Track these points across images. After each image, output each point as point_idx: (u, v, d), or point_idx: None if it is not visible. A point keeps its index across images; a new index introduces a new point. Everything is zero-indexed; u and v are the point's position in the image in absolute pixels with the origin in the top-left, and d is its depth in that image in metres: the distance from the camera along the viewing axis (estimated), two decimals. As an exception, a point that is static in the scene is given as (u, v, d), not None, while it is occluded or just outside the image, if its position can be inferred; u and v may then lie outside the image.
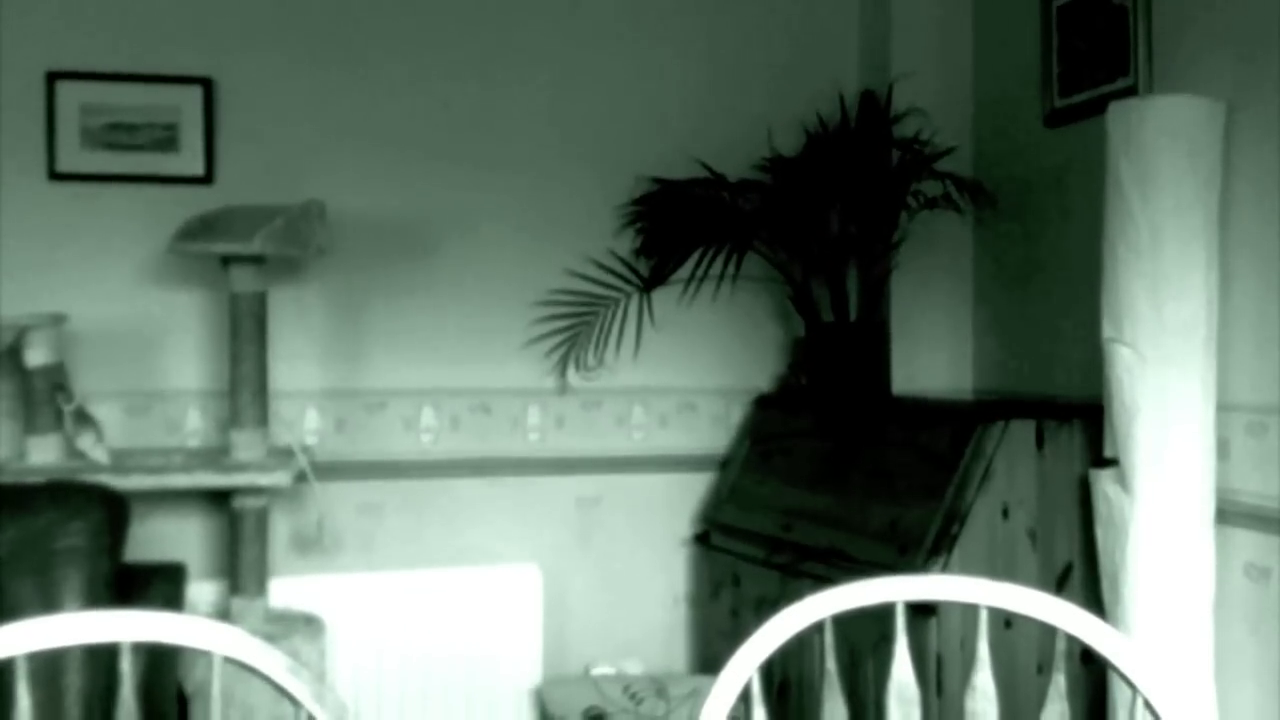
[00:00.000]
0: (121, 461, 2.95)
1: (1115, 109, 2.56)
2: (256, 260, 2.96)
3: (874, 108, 3.41)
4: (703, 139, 3.52)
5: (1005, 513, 2.64)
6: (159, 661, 2.43)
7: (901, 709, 1.37)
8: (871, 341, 3.42)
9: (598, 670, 3.37)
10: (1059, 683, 1.40)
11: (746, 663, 1.31)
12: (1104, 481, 2.55)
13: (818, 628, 1.38)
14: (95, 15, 3.26)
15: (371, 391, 3.41)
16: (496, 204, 3.48)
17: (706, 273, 3.38)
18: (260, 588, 2.99)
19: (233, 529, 3.01)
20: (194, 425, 3.30)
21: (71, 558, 2.36)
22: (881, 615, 1.41)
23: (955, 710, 2.44)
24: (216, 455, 3.09)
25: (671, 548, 3.57)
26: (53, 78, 3.22)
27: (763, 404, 3.55)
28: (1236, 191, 2.51)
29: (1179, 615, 2.44)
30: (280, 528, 3.25)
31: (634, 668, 3.41)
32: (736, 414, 3.61)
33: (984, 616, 1.39)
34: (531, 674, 3.34)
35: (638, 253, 3.52)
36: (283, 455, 3.08)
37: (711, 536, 3.44)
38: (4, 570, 2.34)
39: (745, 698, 1.35)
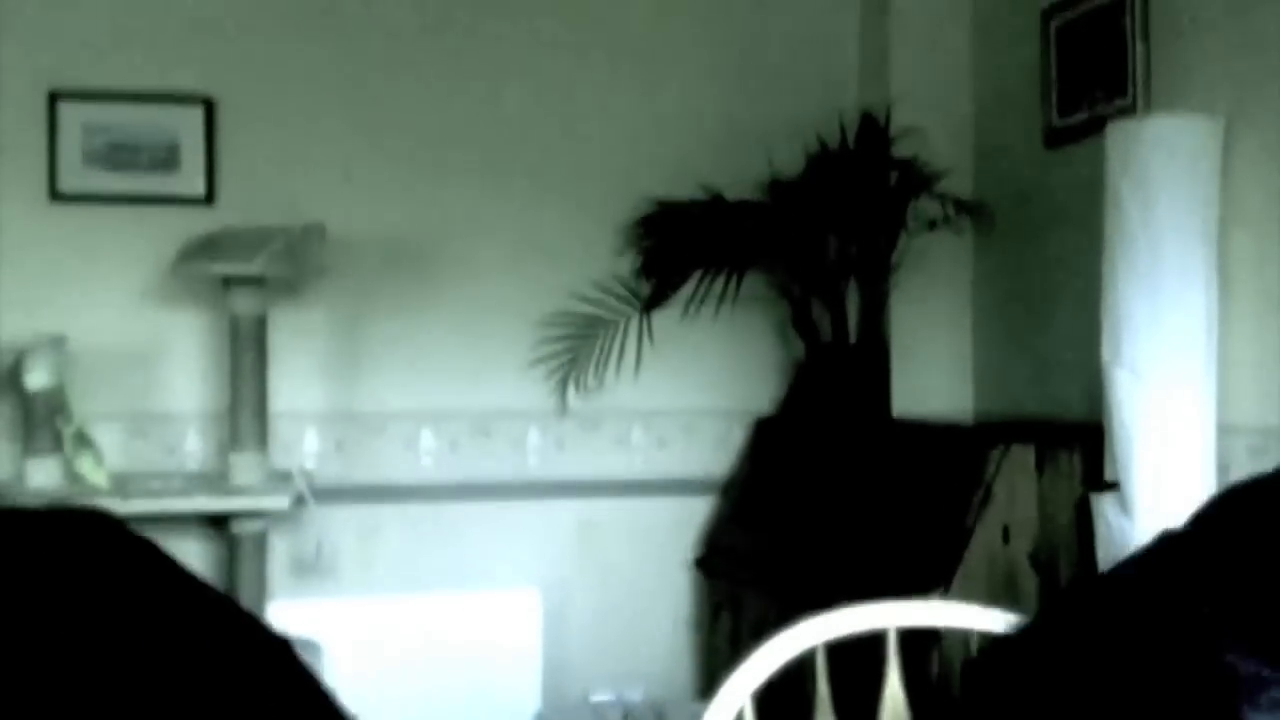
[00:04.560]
0: (120, 485, 2.95)
1: (1114, 129, 2.55)
2: (257, 281, 2.96)
3: (873, 129, 3.41)
4: (703, 161, 3.52)
5: (1005, 536, 2.63)
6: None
7: (895, 736, 1.36)
8: (871, 363, 3.41)
9: (597, 696, 3.35)
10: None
11: (738, 690, 1.30)
12: (1104, 504, 2.53)
13: (814, 652, 1.37)
14: (97, 35, 3.27)
15: (371, 414, 3.41)
16: (497, 225, 3.48)
17: (706, 293, 3.37)
18: (258, 612, 2.98)
19: (231, 552, 3.00)
20: (193, 447, 3.30)
21: (68, 581, 2.35)
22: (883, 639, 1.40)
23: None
24: (215, 479, 3.08)
25: (672, 572, 3.55)
26: (54, 98, 3.23)
27: (763, 426, 3.54)
28: (1236, 209, 2.50)
29: (1181, 639, 2.42)
30: (279, 551, 3.24)
31: (634, 693, 3.39)
32: (737, 435, 3.59)
33: (975, 641, 1.38)
34: (531, 699, 3.32)
35: (638, 274, 3.51)
36: (281, 478, 3.07)
37: (712, 560, 3.43)
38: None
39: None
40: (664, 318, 3.48)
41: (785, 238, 3.38)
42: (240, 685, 0.94)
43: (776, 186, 3.44)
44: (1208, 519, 1.05)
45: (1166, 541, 1.09)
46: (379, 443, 3.40)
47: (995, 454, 2.64)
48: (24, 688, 0.84)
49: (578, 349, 3.43)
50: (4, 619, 0.87)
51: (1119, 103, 2.83)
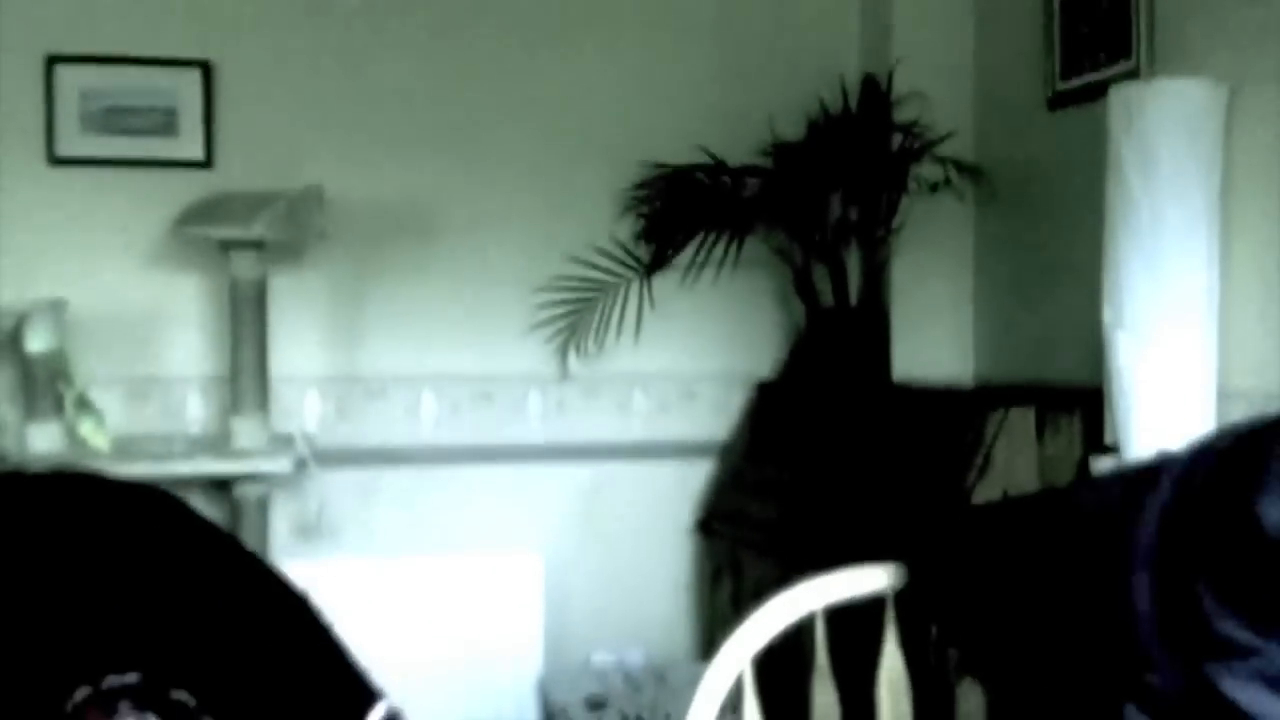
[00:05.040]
0: (122, 449, 2.96)
1: (1116, 92, 2.53)
2: (257, 245, 2.96)
3: (875, 92, 3.39)
4: (705, 125, 3.50)
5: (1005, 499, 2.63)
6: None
7: (892, 698, 1.36)
8: (872, 327, 3.41)
9: (599, 658, 3.37)
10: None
11: (737, 653, 1.30)
12: (1105, 468, 2.54)
13: (812, 616, 1.37)
14: (94, -1, 3.25)
15: (372, 377, 3.41)
16: (498, 189, 3.47)
17: (708, 258, 3.36)
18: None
19: (233, 516, 3.01)
20: (194, 411, 3.30)
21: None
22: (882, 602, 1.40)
23: (952, 699, 2.43)
24: (217, 442, 3.09)
25: (673, 535, 3.56)
26: (52, 61, 3.21)
27: (764, 390, 3.54)
28: (1238, 174, 2.49)
29: (1179, 602, 2.42)
30: (280, 515, 3.24)
31: (635, 656, 3.41)
32: (737, 399, 3.60)
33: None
34: (533, 662, 3.33)
35: (639, 238, 3.50)
36: (283, 442, 3.08)
37: (712, 524, 3.44)
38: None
39: (739, 687, 1.35)
40: (665, 282, 3.47)
41: (786, 201, 3.38)
42: (258, 636, 0.95)
43: (778, 150, 3.43)
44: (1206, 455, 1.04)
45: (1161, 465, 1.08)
46: (380, 406, 3.41)
47: (995, 417, 2.64)
48: (45, 639, 0.85)
49: (578, 313, 3.43)
50: (26, 579, 0.88)
51: (1122, 65, 2.81)
